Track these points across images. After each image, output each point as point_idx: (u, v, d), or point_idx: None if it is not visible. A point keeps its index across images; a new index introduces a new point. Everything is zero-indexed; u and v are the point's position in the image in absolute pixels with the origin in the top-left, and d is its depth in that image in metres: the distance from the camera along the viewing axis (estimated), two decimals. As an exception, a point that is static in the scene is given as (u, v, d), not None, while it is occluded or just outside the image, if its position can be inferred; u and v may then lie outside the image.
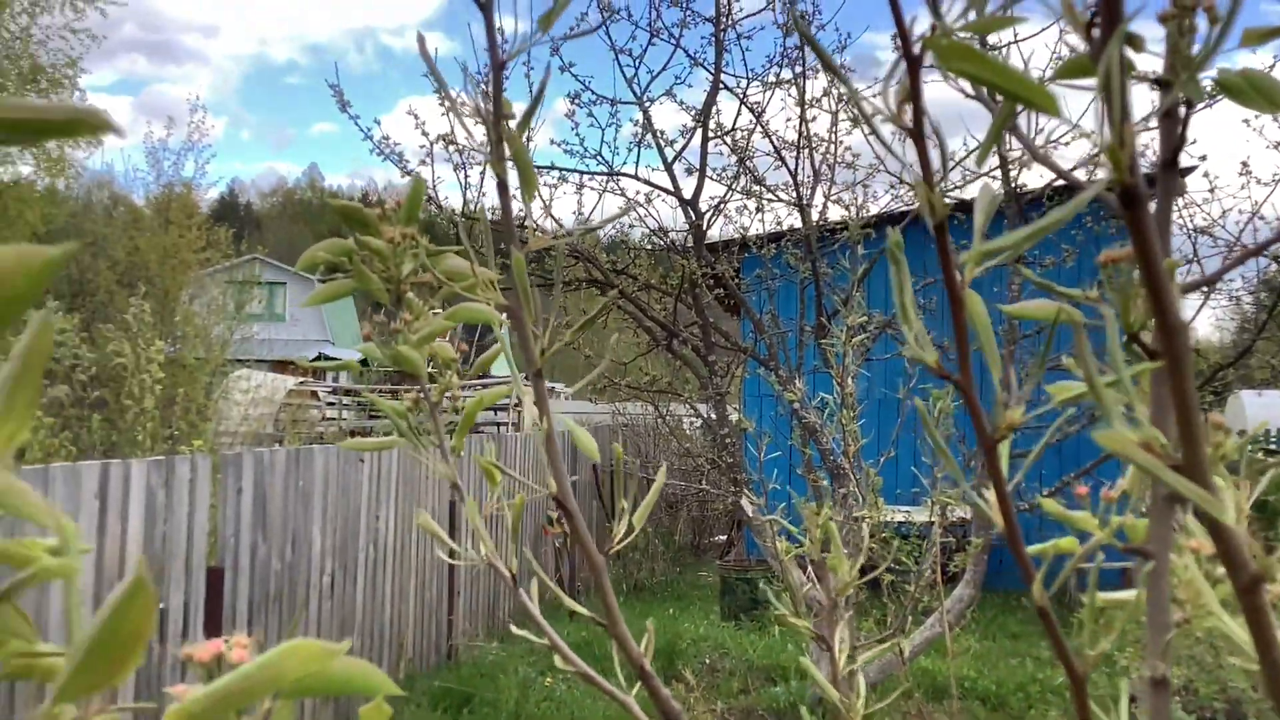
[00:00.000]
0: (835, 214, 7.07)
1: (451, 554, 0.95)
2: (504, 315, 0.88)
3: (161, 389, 7.65)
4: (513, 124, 0.80)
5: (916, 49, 0.54)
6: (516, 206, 7.44)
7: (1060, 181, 6.47)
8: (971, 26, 0.51)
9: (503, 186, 0.80)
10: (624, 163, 7.55)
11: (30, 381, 0.40)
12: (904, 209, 7.32)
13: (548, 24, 0.84)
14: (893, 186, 7.01)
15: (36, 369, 0.40)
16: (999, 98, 0.54)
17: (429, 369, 1.01)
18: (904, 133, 0.56)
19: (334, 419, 19.50)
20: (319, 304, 1.03)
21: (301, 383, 19.98)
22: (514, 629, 0.99)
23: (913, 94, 0.55)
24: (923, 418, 0.62)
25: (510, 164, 0.79)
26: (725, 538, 11.89)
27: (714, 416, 7.76)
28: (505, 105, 0.80)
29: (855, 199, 6.70)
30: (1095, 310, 0.63)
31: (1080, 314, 0.67)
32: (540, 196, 7.50)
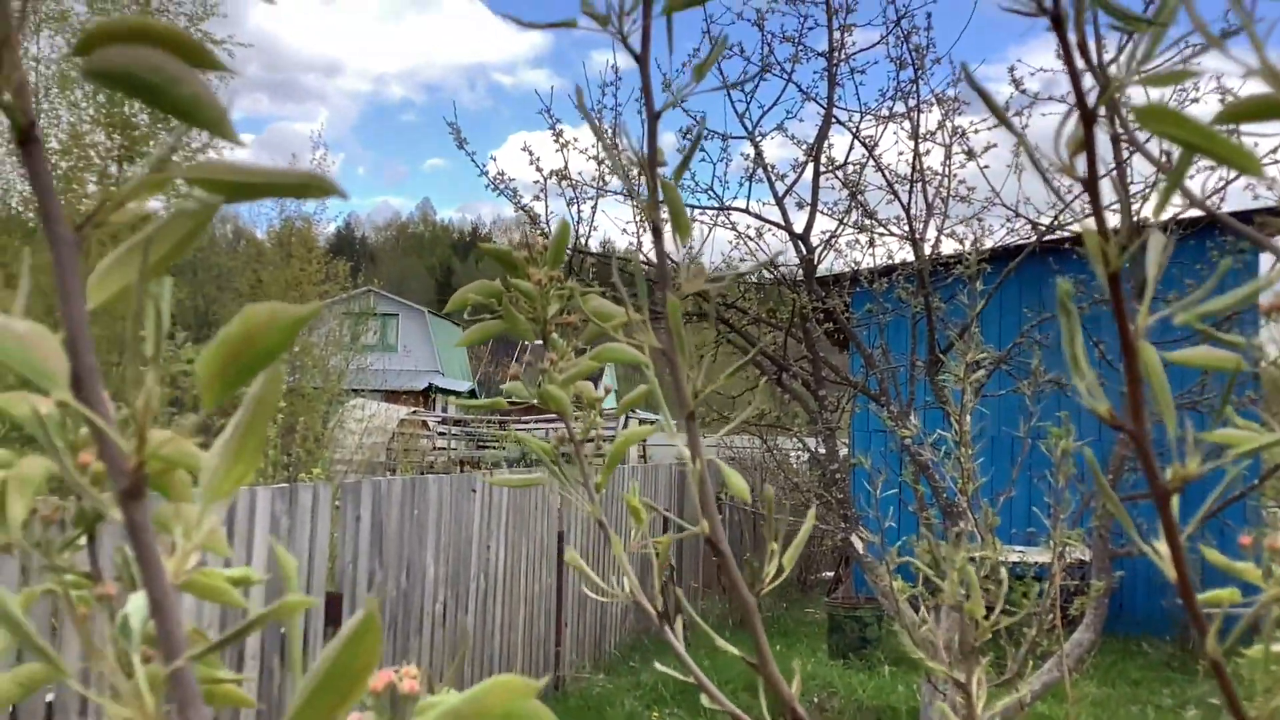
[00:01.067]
0: (948, 248, 6.99)
1: (599, 590, 0.96)
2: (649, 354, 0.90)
3: (283, 418, 7.87)
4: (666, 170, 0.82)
5: (1092, 102, 0.54)
6: (643, 245, 7.48)
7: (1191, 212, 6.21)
8: (1152, 80, 0.51)
9: (657, 232, 0.82)
10: (735, 197, 7.56)
11: (258, 428, 0.43)
12: (1019, 243, 7.20)
13: (700, 74, 0.86)
14: (1008, 220, 6.90)
15: (264, 417, 0.43)
16: (1167, 147, 0.54)
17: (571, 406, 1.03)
18: (1078, 182, 0.57)
19: (444, 448, 19.83)
20: (470, 344, 1.06)
21: (413, 412, 20.36)
22: (658, 665, 1.00)
23: (1088, 148, 0.55)
24: (1092, 470, 0.61)
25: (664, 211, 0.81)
26: (833, 574, 11.75)
27: (823, 451, 7.69)
28: (659, 153, 0.82)
29: (974, 232, 6.61)
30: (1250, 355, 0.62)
31: (1241, 361, 0.66)
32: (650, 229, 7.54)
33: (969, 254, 6.16)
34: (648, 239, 7.02)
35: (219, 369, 0.39)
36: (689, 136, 7.10)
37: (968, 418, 3.98)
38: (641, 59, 0.81)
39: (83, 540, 0.76)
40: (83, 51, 0.44)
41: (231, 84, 13.66)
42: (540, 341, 1.05)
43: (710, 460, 0.84)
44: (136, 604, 0.46)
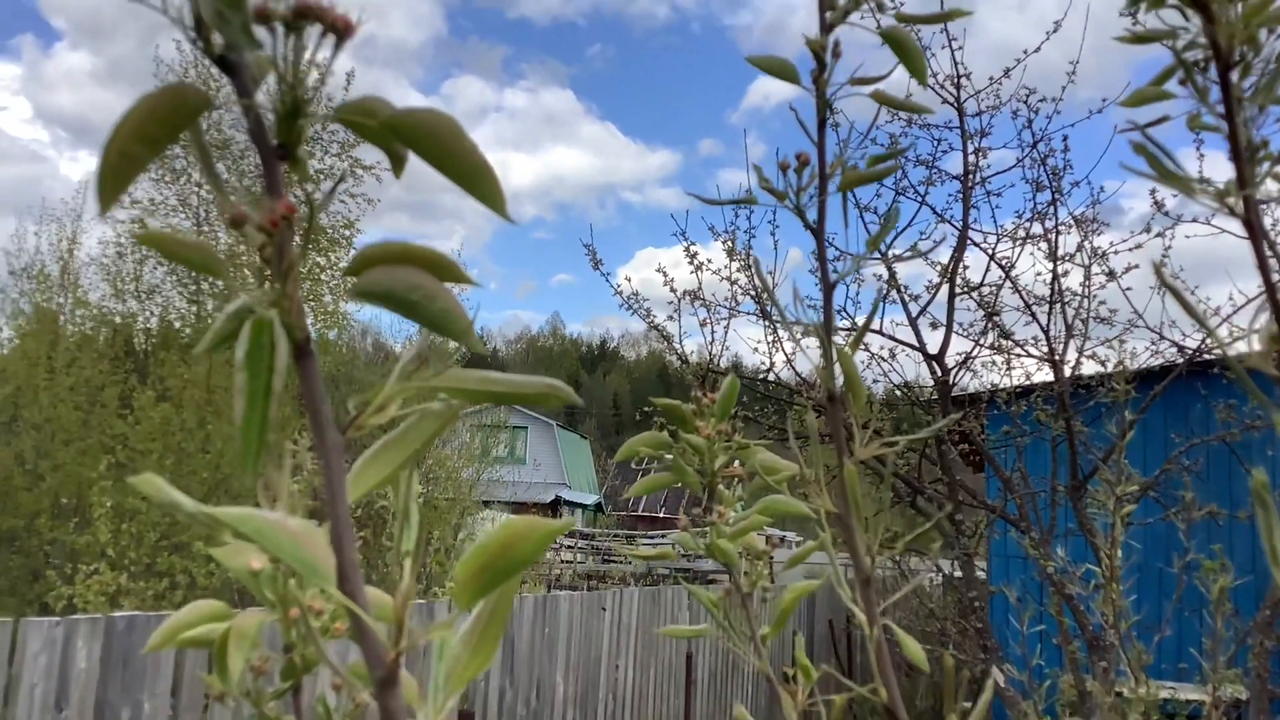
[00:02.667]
0: (1089, 369, 6.84)
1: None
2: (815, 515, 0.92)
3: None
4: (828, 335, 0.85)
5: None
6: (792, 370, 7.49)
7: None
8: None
9: (832, 398, 0.84)
10: (867, 318, 7.54)
11: (498, 623, 0.46)
12: (1164, 364, 7.00)
13: (875, 244, 0.89)
14: (1153, 343, 6.73)
15: (504, 614, 0.46)
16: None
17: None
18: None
19: (570, 561, 19.86)
20: (643, 494, 1.09)
21: (540, 525, 20.45)
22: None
23: (1260, 261, 0.56)
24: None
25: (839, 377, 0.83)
26: (970, 705, 11.30)
27: (960, 576, 7.49)
28: (833, 320, 0.84)
29: (1117, 354, 6.45)
30: None
31: None
32: (783, 349, 7.58)
33: (1113, 376, 6.02)
34: (779, 358, 7.02)
35: (474, 573, 0.43)
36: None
37: (1118, 552, 3.85)
38: (817, 233, 0.85)
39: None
40: (354, 273, 0.49)
41: (377, 206, 14.28)
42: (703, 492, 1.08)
43: (886, 624, 0.85)
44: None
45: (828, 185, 0.83)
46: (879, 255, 6.63)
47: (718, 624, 1.00)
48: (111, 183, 0.46)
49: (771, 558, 1.03)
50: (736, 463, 1.05)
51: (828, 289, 0.86)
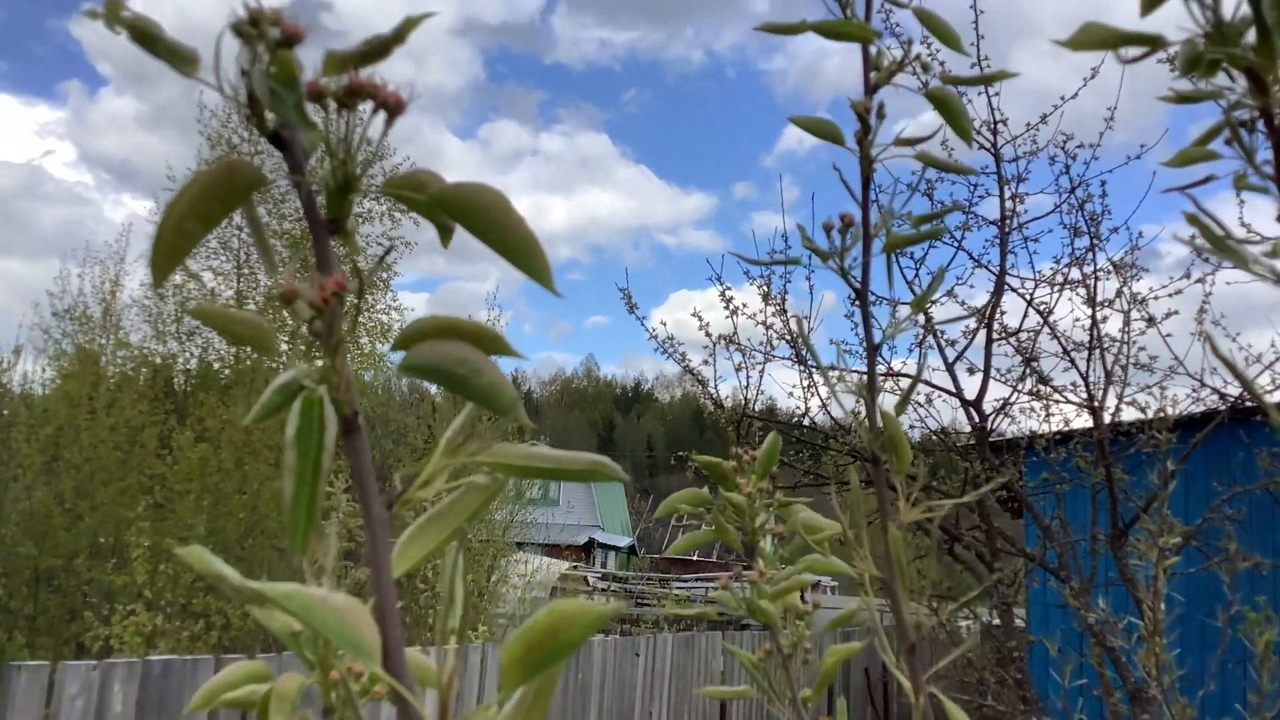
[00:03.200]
0: (1129, 415, 6.77)
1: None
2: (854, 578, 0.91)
3: (453, 575, 7.99)
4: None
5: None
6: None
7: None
8: None
9: (876, 462, 0.83)
10: (903, 361, 7.51)
11: (542, 705, 0.46)
12: (1205, 411, 6.91)
13: (919, 306, 0.89)
14: (1194, 390, 6.64)
15: (547, 697, 0.45)
16: None
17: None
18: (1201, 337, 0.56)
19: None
20: (682, 551, 1.08)
21: (574, 567, 20.43)
22: None
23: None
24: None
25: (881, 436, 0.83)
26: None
27: (999, 625, 7.39)
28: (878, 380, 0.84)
29: (1157, 400, 6.38)
30: None
31: None
32: (819, 394, 7.55)
33: (1154, 423, 5.94)
34: (814, 402, 6.97)
35: (521, 656, 0.42)
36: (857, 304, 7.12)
37: (1160, 604, 3.79)
38: (861, 293, 0.85)
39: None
40: (402, 348, 0.49)
41: (414, 249, 14.39)
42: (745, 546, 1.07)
43: (930, 692, 0.83)
44: None
45: (871, 246, 0.83)
46: (920, 314, 6.59)
47: (758, 685, 0.99)
48: (166, 258, 0.47)
49: (812, 615, 1.02)
50: (776, 519, 1.05)
51: (872, 351, 0.85)
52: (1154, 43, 0.58)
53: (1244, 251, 0.59)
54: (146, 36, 0.48)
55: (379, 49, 0.50)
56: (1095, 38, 0.57)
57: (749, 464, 1.06)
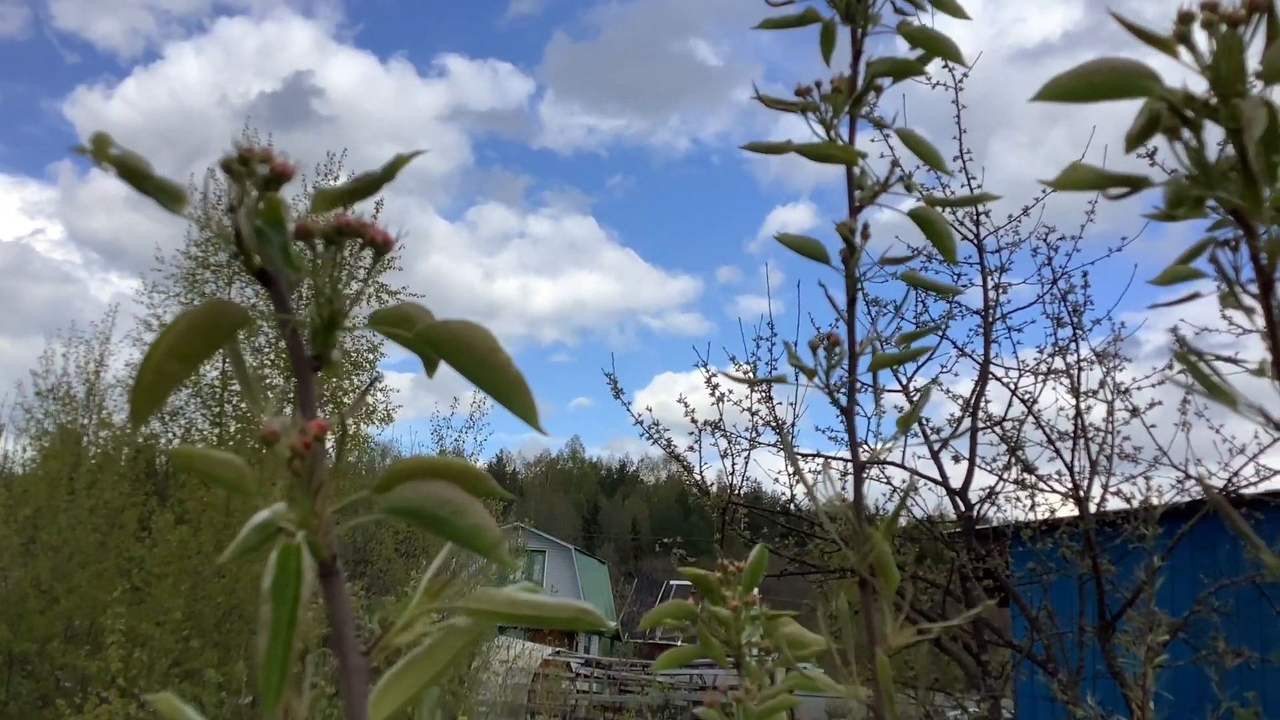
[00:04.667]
0: (1114, 505, 6.75)
1: None
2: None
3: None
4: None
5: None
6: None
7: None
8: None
9: (864, 584, 0.82)
10: (889, 450, 7.49)
11: None
12: (1190, 501, 6.91)
13: (906, 425, 0.88)
14: (1179, 481, 6.64)
15: None
16: None
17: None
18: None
19: (585, 691, 19.46)
20: (664, 669, 1.07)
21: (556, 652, 20.15)
22: None
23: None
24: None
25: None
26: None
27: (986, 718, 7.29)
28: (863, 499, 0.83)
29: (1141, 491, 6.37)
30: None
31: None
32: (805, 481, 7.51)
33: (1139, 514, 5.93)
34: (799, 489, 6.94)
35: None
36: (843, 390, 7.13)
37: (1150, 703, 3.75)
38: (847, 412, 0.84)
39: None
40: (384, 488, 0.48)
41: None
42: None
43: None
44: None
45: (857, 365, 0.83)
46: (907, 430, 6.62)
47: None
48: (147, 399, 0.46)
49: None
50: (763, 634, 1.03)
51: (858, 470, 0.85)
52: (1138, 184, 0.58)
53: (1233, 393, 0.59)
54: (135, 174, 0.48)
55: (368, 186, 0.50)
56: (1081, 179, 0.58)
57: (734, 575, 1.05)
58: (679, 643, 1.07)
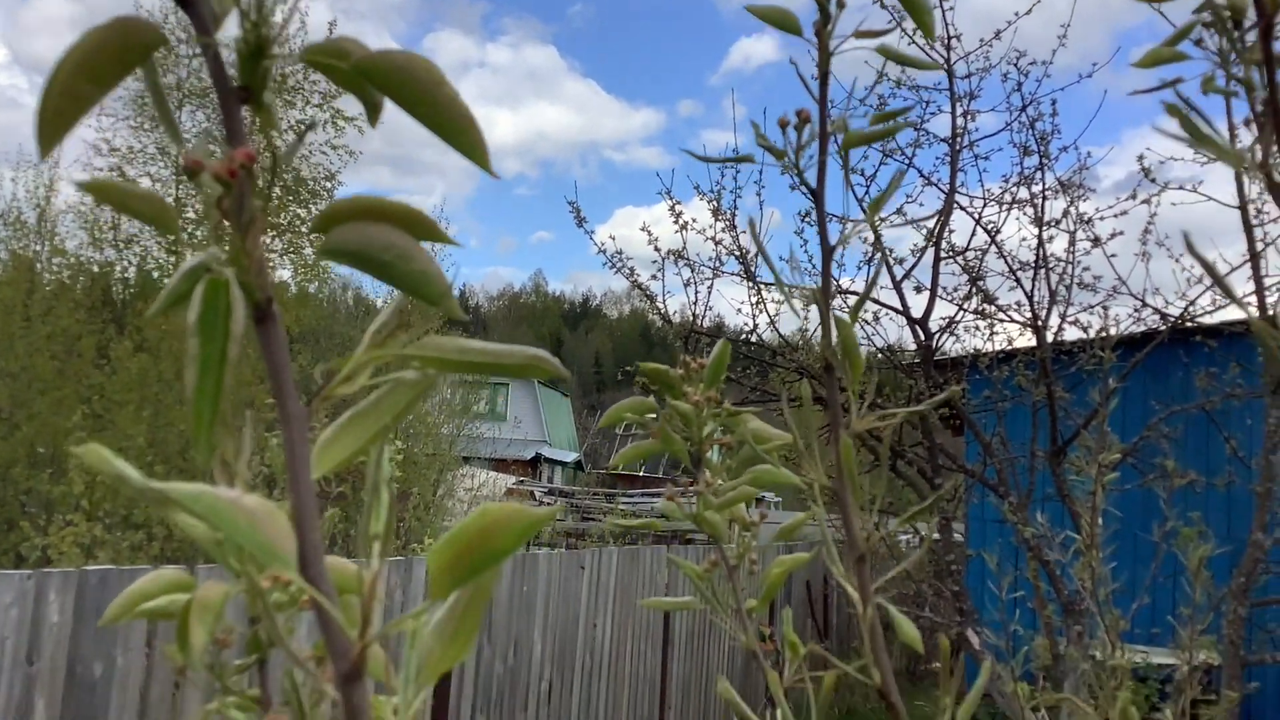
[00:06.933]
0: (1072, 335, 6.84)
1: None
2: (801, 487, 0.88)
3: (397, 487, 7.99)
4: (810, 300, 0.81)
5: None
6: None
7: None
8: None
9: (829, 369, 0.80)
10: (851, 279, 7.52)
11: (475, 614, 0.42)
12: (1145, 330, 7.00)
13: (876, 208, 0.85)
14: (1135, 310, 6.72)
15: (481, 603, 0.42)
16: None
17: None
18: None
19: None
20: (627, 462, 1.06)
21: (520, 482, 20.50)
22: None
23: (1248, 233, 0.53)
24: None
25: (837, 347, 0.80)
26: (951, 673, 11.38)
27: (938, 539, 7.52)
28: (834, 286, 0.81)
29: (1100, 320, 6.43)
30: None
31: None
32: (767, 311, 7.55)
33: (1095, 342, 6.01)
34: (763, 319, 6.98)
35: (450, 563, 0.39)
36: (809, 220, 7.09)
37: (1098, 518, 3.85)
38: (817, 195, 0.81)
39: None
40: (321, 230, 0.45)
41: (359, 159, 14.12)
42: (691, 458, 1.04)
43: (879, 604, 0.82)
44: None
45: (828, 144, 0.79)
46: (875, 220, 6.57)
47: (703, 597, 0.97)
48: (54, 123, 0.42)
49: (758, 527, 1.00)
50: (723, 430, 1.02)
51: (827, 253, 0.82)
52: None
53: (1223, 143, 0.56)
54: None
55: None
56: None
57: (697, 372, 1.03)
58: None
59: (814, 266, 7.31)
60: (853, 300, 7.34)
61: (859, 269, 7.63)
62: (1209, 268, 0.54)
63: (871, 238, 6.92)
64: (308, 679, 0.61)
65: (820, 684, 0.86)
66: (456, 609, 0.43)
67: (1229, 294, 0.55)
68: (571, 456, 37.73)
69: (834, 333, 0.79)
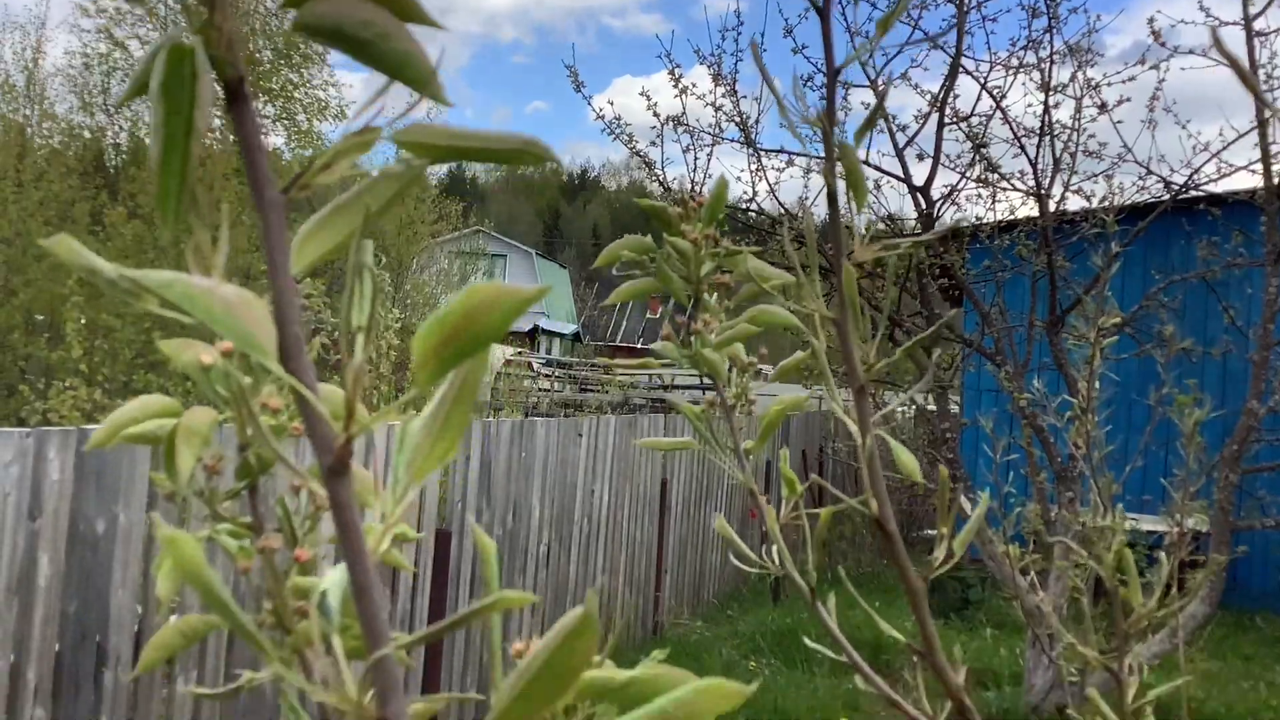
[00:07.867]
0: (1074, 205, 6.77)
1: (748, 560, 0.94)
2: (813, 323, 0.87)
3: (395, 355, 8.01)
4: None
5: None
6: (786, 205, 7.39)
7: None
8: None
9: (832, 198, 0.78)
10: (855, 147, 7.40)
11: (463, 406, 0.41)
12: (1150, 201, 6.92)
13: (885, 27, 0.81)
14: (1140, 178, 6.64)
15: (470, 395, 0.41)
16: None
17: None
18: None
19: (547, 390, 20.03)
20: (622, 301, 1.04)
21: (518, 353, 20.58)
22: (808, 642, 0.98)
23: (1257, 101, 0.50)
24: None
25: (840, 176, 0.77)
26: (936, 532, 11.61)
27: (933, 409, 7.57)
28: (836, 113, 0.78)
29: (1106, 189, 6.36)
30: None
31: None
32: (767, 179, 7.47)
33: (1098, 211, 5.96)
34: (762, 187, 6.94)
35: (435, 348, 0.37)
36: (811, 84, 6.95)
37: (1095, 382, 3.86)
38: (823, 11, 0.77)
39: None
40: (294, 4, 0.42)
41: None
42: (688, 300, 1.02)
43: (879, 435, 0.81)
44: (334, 580, 0.45)
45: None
46: (886, 32, 6.46)
47: (701, 436, 0.96)
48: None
49: (758, 369, 0.98)
50: (724, 270, 1.00)
51: (831, 75, 0.78)
52: None
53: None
54: None
55: None
56: None
57: (695, 210, 1.01)
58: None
59: (815, 133, 7.19)
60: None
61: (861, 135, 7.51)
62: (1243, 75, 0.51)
63: (873, 103, 6.80)
64: (303, 496, 0.60)
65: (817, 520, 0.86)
66: (444, 401, 0.41)
67: (1266, 103, 0.53)
68: (570, 328, 37.84)
69: (837, 156, 0.76)
